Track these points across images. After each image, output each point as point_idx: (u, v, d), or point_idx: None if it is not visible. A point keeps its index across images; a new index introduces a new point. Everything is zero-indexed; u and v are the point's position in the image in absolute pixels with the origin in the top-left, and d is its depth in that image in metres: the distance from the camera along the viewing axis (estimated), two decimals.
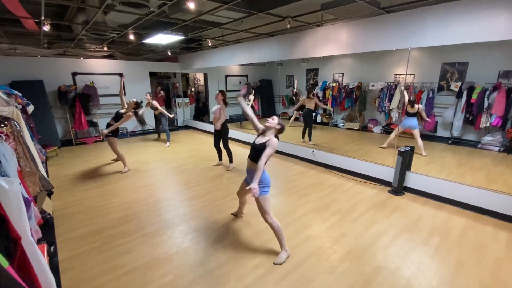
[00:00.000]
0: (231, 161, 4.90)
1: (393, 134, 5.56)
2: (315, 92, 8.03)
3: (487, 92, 5.36)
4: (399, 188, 3.75)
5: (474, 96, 5.52)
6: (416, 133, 5.15)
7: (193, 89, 9.47)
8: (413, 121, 5.13)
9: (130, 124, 8.06)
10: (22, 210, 0.96)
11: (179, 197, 3.73)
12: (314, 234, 2.79)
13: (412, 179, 3.76)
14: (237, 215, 3.15)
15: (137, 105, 4.55)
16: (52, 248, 2.53)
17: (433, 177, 3.62)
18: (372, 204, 3.45)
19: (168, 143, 6.72)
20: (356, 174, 4.44)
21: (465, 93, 5.68)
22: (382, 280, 2.14)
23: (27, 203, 1.35)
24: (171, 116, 6.55)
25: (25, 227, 0.95)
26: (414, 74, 6.69)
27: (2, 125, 1.73)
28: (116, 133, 4.58)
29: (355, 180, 4.32)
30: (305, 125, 6.13)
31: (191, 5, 3.05)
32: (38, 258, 0.98)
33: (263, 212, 2.39)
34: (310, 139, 6.09)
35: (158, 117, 6.92)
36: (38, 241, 1.89)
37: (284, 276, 2.20)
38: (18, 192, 0.96)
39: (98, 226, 2.99)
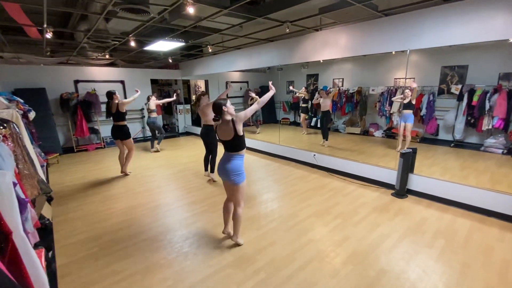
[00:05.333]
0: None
1: (400, 133, 5.59)
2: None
3: (488, 95, 5.34)
4: (401, 190, 3.70)
5: (475, 99, 5.50)
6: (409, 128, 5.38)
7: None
8: (406, 115, 5.35)
9: (131, 130, 8.09)
10: (14, 203, 0.94)
11: (179, 202, 3.70)
12: (316, 238, 2.74)
13: (415, 182, 3.71)
14: (229, 234, 2.76)
15: None
16: (50, 253, 2.49)
17: (437, 179, 3.57)
18: (375, 207, 3.40)
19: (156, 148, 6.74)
20: (358, 178, 4.40)
21: (465, 95, 5.66)
22: (387, 283, 2.09)
23: (23, 204, 1.33)
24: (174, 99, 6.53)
25: (17, 222, 0.92)
26: (414, 78, 6.69)
27: (1, 127, 1.73)
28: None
29: (357, 183, 4.28)
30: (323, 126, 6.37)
31: (191, 10, 3.08)
32: (30, 254, 0.95)
33: (240, 200, 2.49)
34: (326, 139, 6.30)
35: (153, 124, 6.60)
36: (36, 246, 1.86)
37: (286, 280, 2.15)
38: (9, 185, 0.94)
39: (97, 231, 2.96)
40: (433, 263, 2.31)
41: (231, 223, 2.71)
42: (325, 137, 6.35)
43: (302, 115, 7.80)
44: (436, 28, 3.30)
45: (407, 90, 5.27)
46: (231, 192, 2.56)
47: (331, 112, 6.52)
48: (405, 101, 5.23)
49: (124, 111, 4.57)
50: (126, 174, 4.87)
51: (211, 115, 4.16)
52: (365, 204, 3.49)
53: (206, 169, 4.65)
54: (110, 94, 4.50)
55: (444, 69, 6.20)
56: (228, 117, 2.36)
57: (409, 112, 5.31)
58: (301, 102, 7.67)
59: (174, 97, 6.52)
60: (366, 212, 3.28)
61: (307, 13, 3.88)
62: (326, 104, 6.22)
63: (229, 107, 2.38)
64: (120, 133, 4.63)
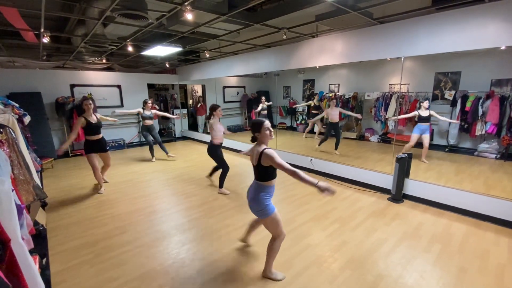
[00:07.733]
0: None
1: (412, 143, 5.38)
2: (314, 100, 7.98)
3: (481, 100, 5.45)
4: (398, 195, 3.73)
5: (468, 104, 5.60)
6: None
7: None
8: (423, 128, 5.17)
9: (127, 134, 8.05)
10: (13, 211, 0.92)
11: (176, 207, 3.67)
12: (314, 243, 2.73)
13: (411, 186, 3.74)
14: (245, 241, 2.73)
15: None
16: (44, 260, 2.45)
17: (432, 183, 3.61)
18: (372, 212, 3.42)
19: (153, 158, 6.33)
20: (355, 182, 4.42)
21: (459, 101, 5.77)
22: None
23: (19, 210, 1.31)
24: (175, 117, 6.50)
25: (15, 229, 0.91)
26: (408, 84, 6.80)
27: None
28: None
29: (354, 188, 4.30)
30: (328, 135, 6.13)
31: (189, 16, 3.11)
32: (28, 262, 0.94)
33: (274, 232, 2.17)
34: (336, 148, 6.05)
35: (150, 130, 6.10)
36: (30, 252, 1.83)
37: (284, 286, 2.13)
38: (8, 192, 0.93)
39: (92, 238, 2.91)
40: (430, 268, 2.32)
41: (252, 234, 2.69)
42: (336, 146, 6.09)
43: (320, 123, 7.56)
44: (430, 36, 3.37)
45: (425, 101, 5.03)
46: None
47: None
48: (425, 114, 5.00)
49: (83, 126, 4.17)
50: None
51: (220, 132, 4.02)
52: (362, 209, 3.51)
53: (210, 174, 4.55)
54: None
55: (438, 75, 6.32)
56: (262, 146, 2.09)
57: (427, 124, 5.05)
58: (302, 108, 7.65)
59: (177, 117, 6.57)
60: (363, 217, 3.29)
61: (304, 20, 3.94)
62: (334, 115, 5.81)
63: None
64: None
